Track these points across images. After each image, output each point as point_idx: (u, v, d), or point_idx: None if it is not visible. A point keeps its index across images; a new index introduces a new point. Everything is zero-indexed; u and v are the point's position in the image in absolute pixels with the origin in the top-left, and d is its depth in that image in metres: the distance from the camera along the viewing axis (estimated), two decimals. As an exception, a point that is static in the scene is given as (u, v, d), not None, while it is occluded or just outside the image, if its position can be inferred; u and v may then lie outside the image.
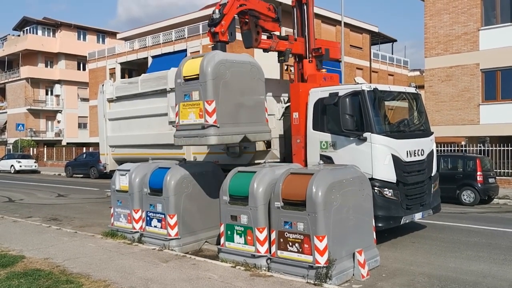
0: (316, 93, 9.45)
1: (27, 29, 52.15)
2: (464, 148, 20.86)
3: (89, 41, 53.22)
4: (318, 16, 27.15)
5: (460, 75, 21.53)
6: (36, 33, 51.37)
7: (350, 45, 38.06)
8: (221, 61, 7.96)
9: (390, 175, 8.66)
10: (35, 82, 50.40)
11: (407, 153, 8.96)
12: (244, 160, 9.83)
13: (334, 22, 35.03)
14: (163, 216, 8.68)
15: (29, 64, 50.48)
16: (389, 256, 8.17)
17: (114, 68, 40.74)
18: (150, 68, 34.32)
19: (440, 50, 22.15)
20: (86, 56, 45.65)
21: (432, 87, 22.42)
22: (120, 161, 12.65)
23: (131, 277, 6.67)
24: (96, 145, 22.50)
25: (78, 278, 6.59)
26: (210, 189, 8.94)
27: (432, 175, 9.68)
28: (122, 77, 38.92)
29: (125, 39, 41.41)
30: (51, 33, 52.19)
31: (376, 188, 8.40)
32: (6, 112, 52.31)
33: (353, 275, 6.81)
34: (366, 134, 8.60)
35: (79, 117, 51.99)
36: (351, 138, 8.76)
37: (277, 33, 10.08)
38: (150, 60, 36.70)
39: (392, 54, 48.12)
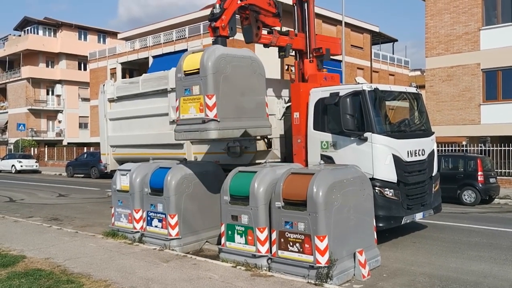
0: (317, 93, 9.45)
1: (28, 29, 52.20)
2: (465, 148, 20.84)
3: (90, 41, 53.27)
4: (319, 16, 27.14)
5: (461, 75, 21.52)
6: (37, 33, 51.42)
7: (351, 45, 38.06)
8: (221, 55, 7.95)
9: (391, 175, 8.65)
10: (36, 82, 50.46)
11: (408, 153, 8.95)
12: (245, 160, 9.83)
13: (335, 22, 35.04)
14: (163, 216, 8.68)
15: (30, 64, 50.54)
16: (390, 256, 8.16)
17: (115, 68, 40.78)
18: (151, 68, 34.34)
19: (441, 50, 22.14)
20: (87, 56, 45.72)
21: (433, 87, 22.41)
22: (121, 161, 12.67)
23: (131, 277, 6.67)
24: (97, 145, 22.54)
25: (79, 278, 6.59)
26: (211, 189, 8.94)
27: (433, 175, 9.68)
28: (123, 77, 38.96)
29: (126, 39, 41.44)
30: (52, 33, 52.24)
31: (377, 188, 8.39)
32: (7, 112, 52.38)
33: (354, 275, 6.80)
34: (367, 134, 8.60)
35: (80, 117, 52.04)
36: (352, 138, 8.75)
37: (278, 28, 10.08)
38: (151, 60, 36.72)
39: (393, 54, 48.12)
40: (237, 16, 9.16)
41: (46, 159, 44.74)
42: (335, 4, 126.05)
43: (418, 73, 51.11)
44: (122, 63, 40.36)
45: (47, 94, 52.02)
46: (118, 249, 8.38)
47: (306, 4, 10.47)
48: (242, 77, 8.27)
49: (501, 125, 20.03)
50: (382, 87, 9.23)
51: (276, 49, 10.30)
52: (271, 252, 7.07)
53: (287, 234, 6.76)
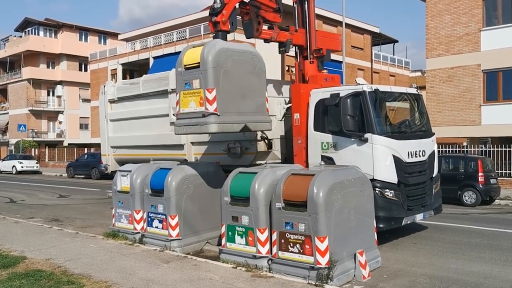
0: (317, 94, 9.46)
1: (29, 30, 52.26)
2: (465, 149, 20.83)
3: (91, 42, 53.35)
4: (319, 17, 27.14)
5: (461, 75, 21.52)
6: (38, 34, 51.49)
7: (352, 46, 38.08)
8: (221, 49, 7.95)
9: (391, 176, 8.65)
10: (36, 83, 50.52)
11: (408, 154, 8.95)
12: (245, 161, 9.83)
13: (335, 23, 35.04)
14: (164, 216, 8.68)
15: (31, 65, 50.59)
16: (390, 257, 8.16)
17: (116, 69, 40.83)
18: (152, 69, 34.39)
19: (442, 50, 22.14)
20: (87, 57, 45.81)
21: (434, 87, 22.42)
22: (121, 162, 12.69)
23: (132, 277, 6.67)
24: (98, 146, 22.55)
25: (79, 279, 6.60)
26: (211, 190, 8.94)
27: (434, 176, 9.67)
28: (124, 78, 39.00)
29: (127, 40, 41.51)
30: (53, 34, 52.30)
31: (377, 189, 8.39)
32: (7, 113, 52.44)
33: (354, 276, 6.80)
34: (367, 135, 8.60)
35: (80, 118, 52.08)
36: (352, 139, 8.76)
37: (278, 23, 10.09)
38: (151, 61, 36.78)
39: (394, 54, 48.10)
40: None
41: (46, 160, 44.78)
42: (336, 5, 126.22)
43: (419, 74, 51.06)
44: (122, 64, 40.41)
45: (48, 95, 52.09)
46: (118, 250, 8.38)
47: (306, 3, 10.47)
48: (242, 71, 8.27)
49: (501, 126, 20.03)
50: (382, 88, 9.24)
51: (276, 44, 10.33)
52: (271, 253, 7.07)
53: (287, 235, 6.76)
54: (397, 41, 48.73)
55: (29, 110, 49.76)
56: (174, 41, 34.88)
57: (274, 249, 6.98)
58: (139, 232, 9.20)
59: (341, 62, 26.19)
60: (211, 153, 10.63)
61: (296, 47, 10.64)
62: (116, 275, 6.80)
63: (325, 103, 9.16)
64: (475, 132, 21.32)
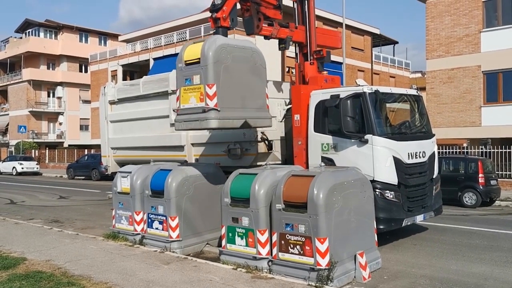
0: (318, 95, 9.46)
1: (29, 31, 52.30)
2: (465, 150, 20.83)
3: (91, 43, 53.40)
4: (319, 18, 27.16)
5: (461, 77, 21.52)
6: (38, 35, 51.53)
7: (352, 47, 38.12)
8: (222, 45, 7.95)
9: (391, 177, 8.65)
10: (37, 84, 50.55)
11: (409, 155, 8.95)
12: (246, 162, 9.83)
13: (336, 24, 35.04)
14: (164, 218, 8.68)
15: (31, 66, 50.62)
16: (390, 258, 8.15)
17: (116, 70, 40.87)
18: (152, 70, 34.41)
19: (442, 52, 22.16)
20: (88, 58, 45.85)
21: (434, 89, 22.42)
22: (121, 163, 12.68)
23: (132, 279, 6.67)
24: (98, 147, 22.57)
25: (79, 280, 6.60)
26: (212, 191, 8.94)
27: (434, 177, 9.67)
28: (124, 79, 39.04)
29: (127, 41, 41.55)
30: (53, 35, 52.34)
31: (377, 190, 8.39)
32: (8, 114, 52.45)
33: (355, 277, 6.80)
34: (367, 136, 8.60)
35: (80, 119, 52.10)
36: (353, 140, 8.76)
37: (278, 20, 10.10)
38: (151, 62, 36.80)
39: (394, 56, 48.12)
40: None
41: (47, 161, 44.79)
42: (336, 6, 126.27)
43: (419, 75, 51.11)
44: (123, 65, 40.44)
45: (48, 96, 52.12)
46: (118, 251, 8.38)
47: (306, 2, 10.47)
48: (242, 67, 8.27)
49: (501, 127, 20.03)
50: (382, 89, 9.24)
51: (276, 44, 10.34)
52: (271, 254, 7.06)
53: (287, 236, 6.76)
54: (397, 42, 48.80)
55: (29, 111, 49.78)
56: (174, 42, 34.91)
57: (274, 251, 6.97)
58: (139, 234, 9.20)
59: (341, 63, 26.21)
60: (211, 154, 10.64)
61: (296, 44, 10.64)
62: (116, 276, 6.80)
63: (325, 104, 9.16)
64: (475, 133, 21.32)
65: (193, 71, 7.94)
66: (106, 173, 14.63)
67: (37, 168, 37.05)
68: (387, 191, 8.56)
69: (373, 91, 8.83)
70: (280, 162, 10.12)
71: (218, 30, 8.59)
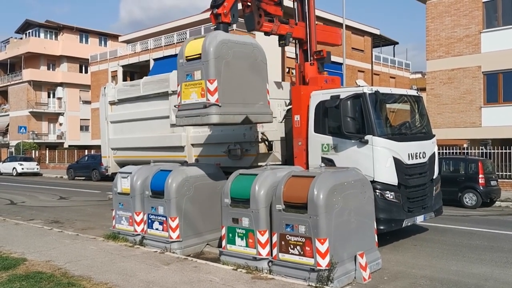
0: (318, 96, 9.46)
1: (29, 32, 52.31)
2: (466, 151, 20.82)
3: (91, 43, 53.41)
4: (319, 18, 27.15)
5: (462, 77, 21.52)
6: (39, 36, 51.55)
7: (352, 48, 38.12)
8: (223, 41, 7.96)
9: (391, 177, 8.65)
10: (37, 85, 50.56)
11: (409, 156, 8.95)
12: (246, 163, 9.83)
13: (336, 25, 34.76)
14: (164, 218, 8.68)
15: (32, 67, 50.63)
16: (390, 259, 8.15)
17: (116, 70, 40.88)
18: (152, 71, 34.42)
19: (442, 52, 22.15)
20: (88, 59, 45.86)
21: (434, 89, 22.41)
22: (122, 164, 12.68)
23: (132, 279, 6.67)
24: (98, 147, 22.57)
25: (79, 280, 6.60)
26: (212, 191, 8.94)
27: (434, 177, 9.67)
28: (124, 79, 39.06)
29: (127, 41, 41.56)
30: (54, 36, 52.36)
31: (377, 190, 8.39)
32: (8, 115, 52.45)
33: (355, 278, 6.80)
34: (367, 137, 8.60)
35: (81, 119, 52.10)
36: (353, 141, 8.76)
37: (279, 16, 10.10)
38: (152, 63, 36.81)
39: (394, 56, 48.14)
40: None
41: (47, 161, 44.78)
42: (336, 6, 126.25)
43: (419, 75, 51.10)
44: (123, 66, 40.45)
45: (48, 96, 52.12)
46: (119, 252, 8.38)
47: (306, 1, 10.47)
48: (243, 63, 8.28)
49: (502, 128, 20.03)
50: (383, 89, 9.24)
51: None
52: (271, 255, 7.06)
53: (287, 237, 6.76)
54: (397, 43, 48.81)
55: (30, 112, 49.78)
56: (174, 43, 34.91)
57: (275, 251, 6.97)
58: (139, 234, 9.20)
59: (341, 64, 26.23)
60: (212, 154, 10.64)
61: (297, 41, 10.63)
62: (117, 277, 6.80)
63: (325, 105, 9.16)
64: (475, 134, 21.32)
65: (194, 66, 7.95)
66: (106, 174, 14.63)
67: (37, 168, 37.06)
68: (387, 192, 8.56)
69: (373, 91, 8.83)
70: (280, 163, 10.12)
71: (219, 26, 8.60)
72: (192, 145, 11.11)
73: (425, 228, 10.79)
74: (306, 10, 10.46)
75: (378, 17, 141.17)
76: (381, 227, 8.35)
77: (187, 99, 8.06)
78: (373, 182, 8.24)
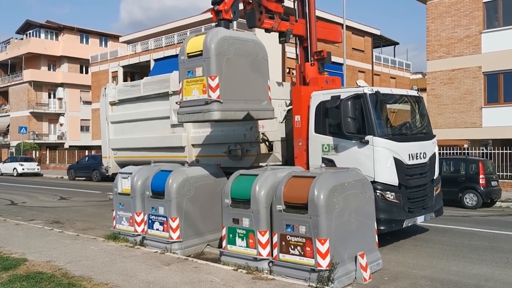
0: (318, 96, 9.46)
1: (30, 33, 52.34)
2: (466, 151, 20.81)
3: (92, 44, 53.42)
4: (320, 19, 27.09)
5: (462, 78, 21.52)
6: (39, 37, 51.57)
7: (352, 48, 38.11)
8: (224, 37, 7.97)
9: (392, 178, 8.65)
10: (38, 85, 50.57)
11: (409, 156, 8.95)
12: (246, 163, 9.83)
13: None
14: (165, 219, 8.68)
15: (32, 67, 50.66)
16: (391, 259, 8.15)
17: (117, 71, 40.90)
18: (153, 71, 34.42)
19: (442, 53, 22.15)
20: (88, 59, 45.88)
21: (434, 90, 22.41)
22: (122, 164, 12.68)
23: (133, 280, 6.67)
24: (99, 148, 22.59)
25: (80, 281, 6.60)
26: (212, 192, 8.94)
27: (434, 178, 9.67)
28: (125, 80, 39.07)
29: (128, 42, 41.57)
30: (54, 37, 52.38)
31: (378, 191, 8.39)
32: (9, 115, 52.48)
33: (355, 278, 6.80)
34: (368, 137, 8.60)
35: (81, 120, 52.11)
36: (353, 141, 8.75)
37: (280, 13, 10.11)
38: (152, 63, 36.82)
39: (394, 57, 48.11)
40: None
41: (47, 162, 44.80)
42: (336, 7, 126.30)
43: (420, 76, 51.06)
44: (123, 66, 40.46)
45: (49, 97, 52.14)
46: (119, 252, 8.38)
47: (307, 0, 10.47)
48: (245, 60, 8.29)
49: (502, 128, 20.02)
50: (383, 90, 9.24)
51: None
52: (272, 255, 7.06)
53: (288, 237, 6.76)
54: (397, 43, 48.79)
55: (30, 112, 49.80)
56: (175, 43, 34.91)
57: (275, 251, 6.97)
58: (140, 234, 9.20)
59: (341, 64, 26.22)
60: (212, 155, 10.63)
61: (297, 38, 10.63)
62: (117, 277, 6.80)
63: (326, 105, 9.16)
64: (476, 134, 21.31)
65: (195, 63, 7.97)
66: (107, 174, 14.63)
67: (38, 169, 37.08)
68: (388, 192, 8.56)
69: (374, 92, 8.83)
70: (280, 163, 10.11)
71: (220, 23, 8.62)
72: (193, 145, 11.11)
73: (426, 229, 10.79)
74: (307, 10, 10.47)
75: (379, 17, 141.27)
76: (382, 228, 8.34)
77: (188, 95, 8.07)
78: (373, 182, 8.24)
